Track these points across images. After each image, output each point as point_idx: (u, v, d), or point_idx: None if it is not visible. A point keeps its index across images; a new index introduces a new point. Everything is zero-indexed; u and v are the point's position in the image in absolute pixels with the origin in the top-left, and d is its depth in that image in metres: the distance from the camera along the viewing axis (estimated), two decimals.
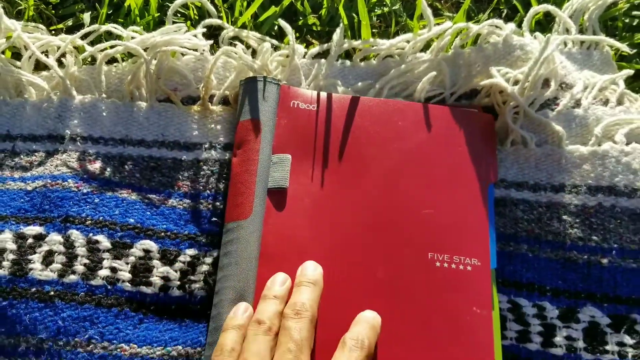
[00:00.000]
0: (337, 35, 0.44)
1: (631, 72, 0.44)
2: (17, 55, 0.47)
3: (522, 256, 0.40)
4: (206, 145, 0.43)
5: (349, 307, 0.37)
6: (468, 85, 0.44)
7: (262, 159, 0.40)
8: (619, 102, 0.43)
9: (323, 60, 0.45)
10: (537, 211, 0.40)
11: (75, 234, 0.39)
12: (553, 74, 0.42)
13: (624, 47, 0.46)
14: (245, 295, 0.37)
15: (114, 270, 0.38)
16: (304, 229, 0.39)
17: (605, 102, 0.43)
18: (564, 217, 0.40)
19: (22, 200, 0.40)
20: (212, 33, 0.48)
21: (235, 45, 0.45)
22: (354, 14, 0.48)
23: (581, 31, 0.48)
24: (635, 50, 0.48)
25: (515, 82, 0.42)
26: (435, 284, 0.38)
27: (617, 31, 0.50)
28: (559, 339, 0.38)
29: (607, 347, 0.37)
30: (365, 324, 0.35)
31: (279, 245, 0.38)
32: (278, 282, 0.37)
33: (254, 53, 0.46)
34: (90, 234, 0.39)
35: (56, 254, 0.38)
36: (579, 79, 0.43)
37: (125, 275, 0.38)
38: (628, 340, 0.38)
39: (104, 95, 0.44)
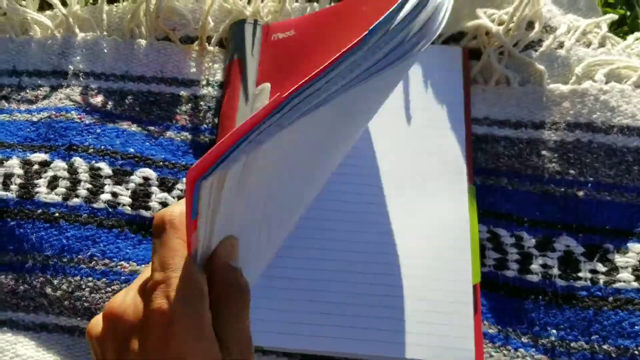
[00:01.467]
0: None
1: (615, 16, 0.46)
2: None
3: (502, 189, 0.42)
4: (203, 83, 0.45)
5: None
6: (455, 27, 0.45)
7: (245, 95, 0.42)
8: (601, 44, 0.44)
9: (315, 5, 0.46)
10: (517, 147, 0.42)
11: (78, 161, 0.41)
12: (537, 16, 0.44)
13: None
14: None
15: (115, 195, 0.40)
16: None
17: (588, 45, 0.44)
18: (543, 152, 0.42)
19: (28, 130, 0.43)
20: None
21: None
22: None
23: None
24: None
25: (501, 23, 0.44)
26: None
27: None
28: (535, 267, 0.40)
29: (580, 274, 0.39)
30: None
31: None
32: None
33: None
34: (93, 161, 0.41)
35: (60, 179, 0.40)
36: (563, 22, 0.45)
37: (125, 199, 0.40)
38: (600, 267, 0.39)
39: (105, 33, 0.46)
